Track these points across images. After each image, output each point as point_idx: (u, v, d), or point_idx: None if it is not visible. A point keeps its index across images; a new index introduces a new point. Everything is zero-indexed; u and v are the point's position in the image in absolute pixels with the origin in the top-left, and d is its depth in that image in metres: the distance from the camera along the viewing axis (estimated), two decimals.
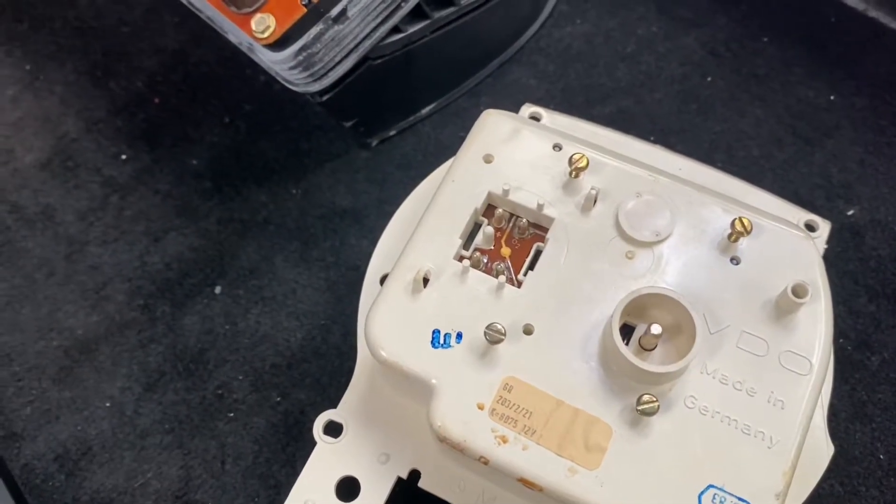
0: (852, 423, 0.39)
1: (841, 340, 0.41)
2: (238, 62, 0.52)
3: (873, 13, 0.50)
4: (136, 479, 0.41)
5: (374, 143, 0.49)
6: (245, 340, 0.43)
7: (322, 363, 0.43)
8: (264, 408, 0.42)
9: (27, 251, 0.47)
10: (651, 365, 0.29)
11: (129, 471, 0.41)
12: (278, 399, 0.42)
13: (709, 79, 0.49)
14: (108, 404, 0.42)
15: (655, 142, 0.45)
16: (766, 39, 0.50)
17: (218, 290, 0.45)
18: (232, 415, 0.42)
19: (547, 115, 0.40)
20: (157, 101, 0.52)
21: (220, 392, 0.42)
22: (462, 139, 0.36)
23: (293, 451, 0.41)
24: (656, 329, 0.29)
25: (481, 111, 0.36)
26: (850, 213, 0.44)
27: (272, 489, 0.40)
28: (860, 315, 0.42)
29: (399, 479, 0.34)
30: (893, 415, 0.39)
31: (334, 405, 0.35)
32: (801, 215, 0.39)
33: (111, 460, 0.41)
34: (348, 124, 0.46)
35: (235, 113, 0.51)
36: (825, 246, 0.39)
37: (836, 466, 0.38)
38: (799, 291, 0.31)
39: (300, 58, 0.39)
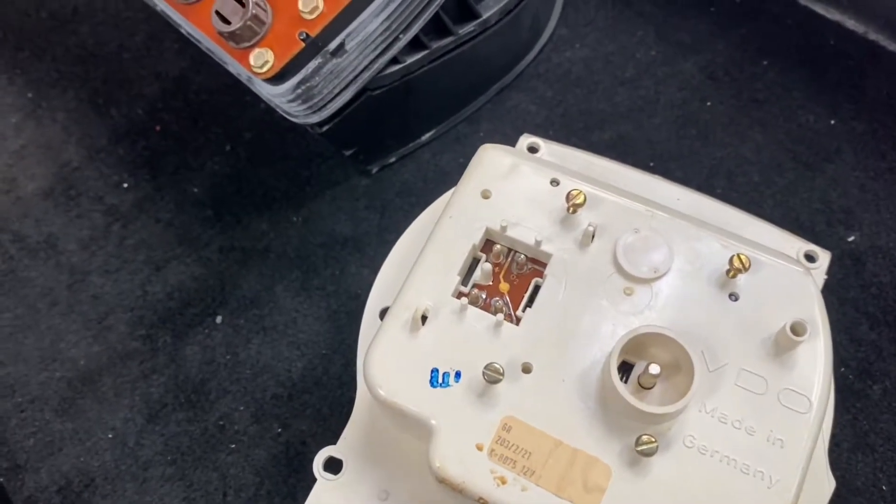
0: (854, 454, 0.39)
1: (842, 369, 0.41)
2: (238, 89, 0.53)
3: (873, 36, 0.50)
4: None
5: (375, 170, 0.49)
6: (246, 371, 0.44)
7: (323, 393, 0.43)
8: (265, 439, 0.42)
9: (30, 280, 0.48)
10: (650, 406, 0.29)
11: (132, 503, 0.41)
12: (279, 430, 0.42)
13: (708, 104, 0.49)
14: (110, 435, 0.43)
15: (655, 168, 0.45)
16: (765, 63, 0.50)
17: (219, 319, 0.45)
18: (234, 446, 0.42)
19: (545, 146, 0.40)
20: (158, 128, 0.53)
21: (221, 423, 0.42)
22: (462, 165, 0.35)
23: (294, 482, 0.41)
24: (654, 369, 0.29)
25: (481, 137, 0.36)
26: (851, 239, 0.44)
27: None
28: (861, 343, 0.41)
29: None
30: (895, 444, 0.39)
31: (335, 436, 0.35)
32: (801, 246, 0.39)
33: (114, 492, 0.41)
34: (348, 153, 0.46)
35: (236, 140, 0.52)
36: (825, 277, 0.39)
37: (838, 498, 0.37)
38: (798, 329, 0.31)
39: (299, 91, 0.40)
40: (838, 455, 0.39)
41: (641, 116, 0.49)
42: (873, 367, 0.41)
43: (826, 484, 0.34)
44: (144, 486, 0.41)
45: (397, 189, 0.49)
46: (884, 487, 0.38)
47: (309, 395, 0.43)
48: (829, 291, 0.42)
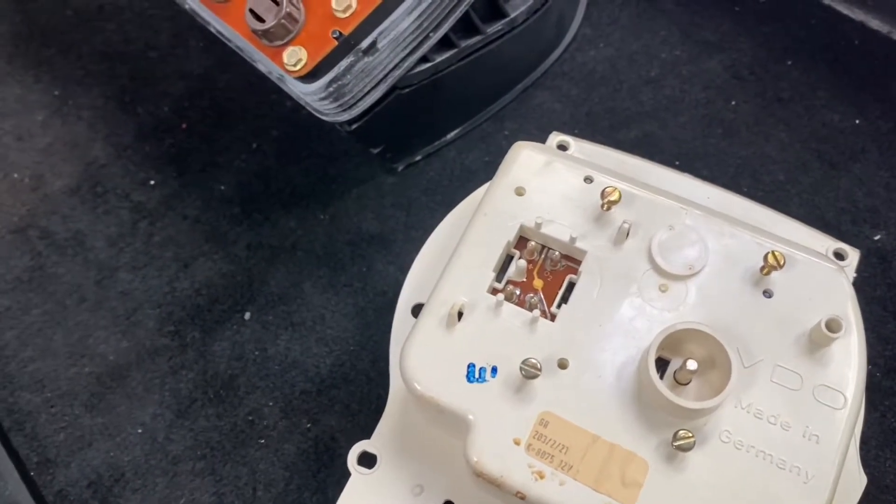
0: (883, 451, 0.39)
1: (870, 367, 0.41)
2: (264, 87, 0.53)
3: None
4: None
5: (401, 168, 0.49)
6: (275, 366, 0.44)
7: (351, 389, 0.43)
8: (294, 434, 0.42)
9: (58, 277, 0.48)
10: (687, 401, 0.29)
11: (162, 497, 0.41)
12: (308, 425, 0.42)
13: (733, 102, 0.49)
14: (140, 430, 0.43)
15: (680, 166, 0.46)
16: (790, 63, 0.51)
17: (247, 315, 0.46)
18: (263, 441, 0.42)
19: (574, 144, 0.40)
20: (184, 126, 0.53)
21: (250, 418, 0.43)
22: (487, 163, 0.36)
23: (324, 477, 0.41)
24: (692, 365, 0.30)
25: (506, 135, 0.36)
26: (877, 237, 0.44)
27: None
28: (889, 341, 0.42)
29: None
30: None
31: (364, 432, 0.35)
32: (830, 244, 0.39)
33: (144, 486, 0.41)
34: (375, 151, 0.47)
35: (262, 138, 0.52)
36: (854, 274, 0.39)
37: (867, 496, 0.38)
38: (833, 326, 0.31)
39: (331, 89, 0.40)
40: (867, 453, 0.39)
41: (667, 115, 0.49)
42: None
43: (858, 480, 0.34)
44: (174, 481, 0.41)
45: (423, 187, 0.49)
46: None
47: (337, 391, 0.43)
48: (856, 290, 0.42)
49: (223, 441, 0.42)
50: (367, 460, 0.35)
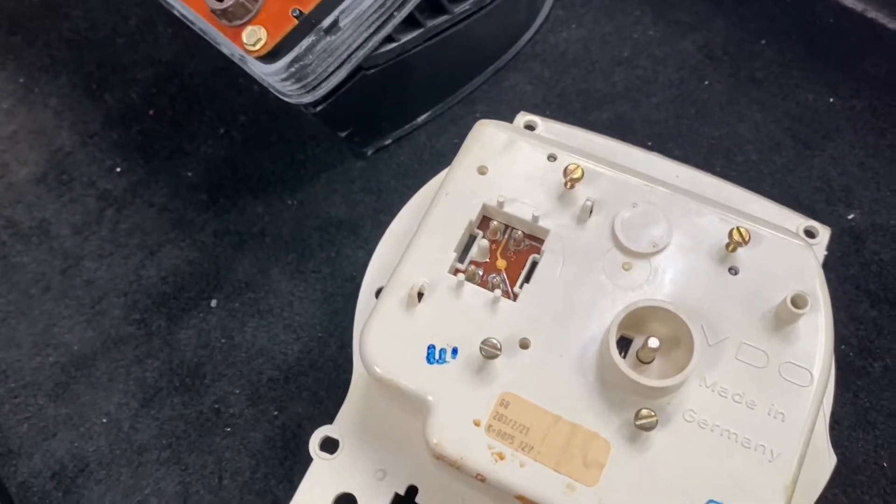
0: (855, 431, 0.39)
1: (843, 347, 0.40)
2: (232, 72, 0.52)
3: (872, 14, 0.50)
4: (135, 496, 0.40)
5: (370, 152, 0.48)
6: (241, 354, 0.43)
7: (319, 376, 0.42)
8: (261, 422, 0.41)
9: (23, 266, 0.47)
10: (649, 379, 0.29)
11: (127, 487, 0.40)
12: (275, 413, 0.42)
13: (706, 83, 0.49)
14: (104, 420, 0.42)
15: (653, 148, 0.45)
16: (763, 42, 0.50)
17: (214, 303, 0.45)
18: (229, 429, 0.41)
19: (542, 124, 0.40)
20: (151, 113, 0.52)
21: (216, 407, 0.42)
22: (458, 147, 0.35)
23: (291, 465, 0.40)
24: (654, 343, 0.29)
25: (477, 118, 0.36)
26: (851, 217, 0.44)
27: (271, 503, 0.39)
28: (862, 321, 0.41)
29: (396, 496, 0.33)
30: None
31: (332, 419, 0.35)
32: (801, 222, 0.38)
33: (108, 477, 0.41)
34: (343, 134, 0.46)
35: (230, 124, 0.51)
36: (825, 252, 0.38)
37: (839, 475, 0.37)
38: (798, 302, 0.30)
39: (292, 69, 0.39)
40: (839, 433, 0.38)
41: (639, 96, 0.49)
42: (874, 345, 0.40)
43: (827, 460, 0.34)
44: (140, 471, 0.41)
45: (393, 171, 0.48)
46: (885, 464, 0.38)
47: (305, 378, 0.42)
48: (829, 269, 0.42)
49: (189, 430, 0.41)
50: (330, 445, 0.34)
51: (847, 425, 0.39)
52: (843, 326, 0.41)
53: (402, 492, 0.33)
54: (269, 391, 0.42)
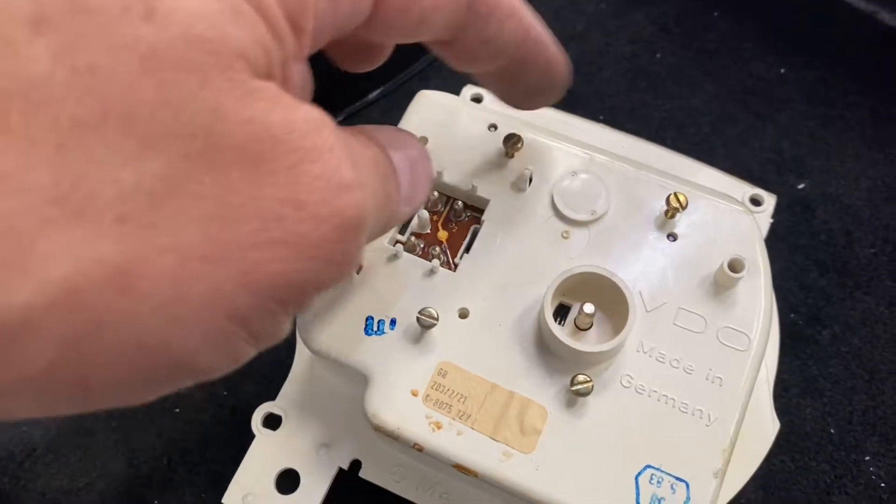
0: (803, 399, 0.39)
1: (792, 315, 0.41)
2: None
3: None
4: (82, 479, 0.40)
5: None
6: None
7: (269, 355, 0.41)
8: (211, 403, 0.41)
9: None
10: (583, 344, 0.29)
11: (76, 471, 0.40)
12: (224, 393, 0.41)
13: (658, 56, 0.49)
14: None
15: (605, 121, 0.45)
16: (716, 14, 0.50)
17: None
18: (178, 411, 0.41)
19: (489, 96, 0.39)
20: None
21: None
22: None
23: (241, 445, 0.40)
24: (589, 308, 0.29)
25: None
26: (801, 186, 0.44)
27: (220, 484, 0.39)
28: (811, 290, 0.41)
29: (340, 470, 0.33)
30: (844, 388, 0.39)
31: None
32: (747, 190, 0.38)
33: (56, 461, 0.40)
34: None
35: None
36: (771, 220, 0.38)
37: (787, 442, 0.37)
38: (735, 266, 0.30)
39: None
40: (787, 401, 0.39)
41: (591, 70, 0.48)
42: (822, 313, 0.40)
43: (770, 425, 0.34)
44: (88, 453, 0.40)
45: None
46: (832, 431, 0.38)
47: (255, 359, 0.42)
48: (779, 239, 0.42)
49: (137, 412, 0.41)
50: (273, 421, 0.34)
51: (796, 393, 0.39)
52: (792, 295, 0.41)
53: (345, 466, 0.33)
54: None
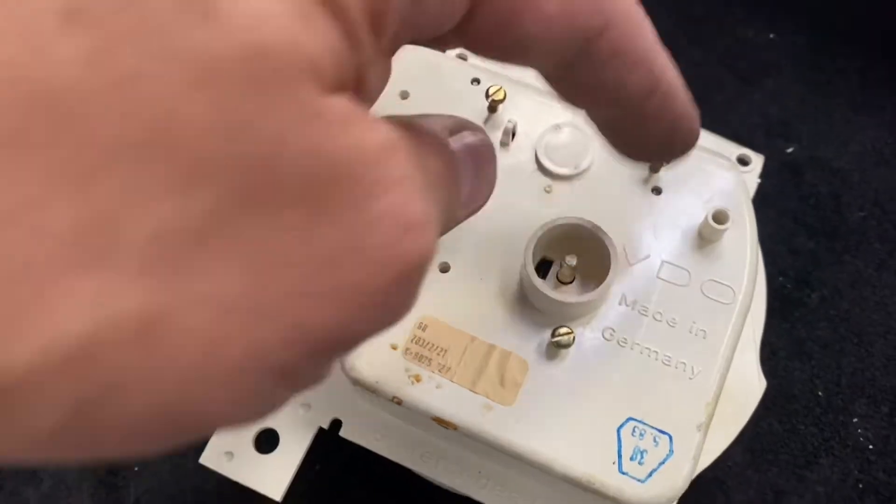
0: (791, 361, 0.38)
1: (780, 279, 0.40)
2: None
3: None
4: None
5: None
6: None
7: None
8: None
9: None
10: (564, 295, 0.28)
11: None
12: None
13: None
14: None
15: None
16: None
17: None
18: None
19: (473, 57, 0.39)
20: None
21: None
22: None
23: None
24: (571, 260, 0.28)
25: None
26: (790, 150, 0.44)
27: (198, 447, 0.38)
28: (799, 253, 0.41)
29: (320, 429, 0.32)
30: (832, 351, 0.38)
31: None
32: (735, 150, 0.38)
33: None
34: None
35: None
36: (759, 180, 0.38)
37: (774, 405, 0.37)
38: (720, 217, 0.30)
39: None
40: (775, 363, 0.38)
41: None
42: (811, 276, 0.40)
43: (757, 384, 0.34)
44: None
45: None
46: (819, 393, 0.38)
47: None
48: (767, 203, 0.41)
49: None
50: None
51: (784, 356, 0.39)
52: (781, 259, 0.41)
53: (325, 426, 0.32)
54: None
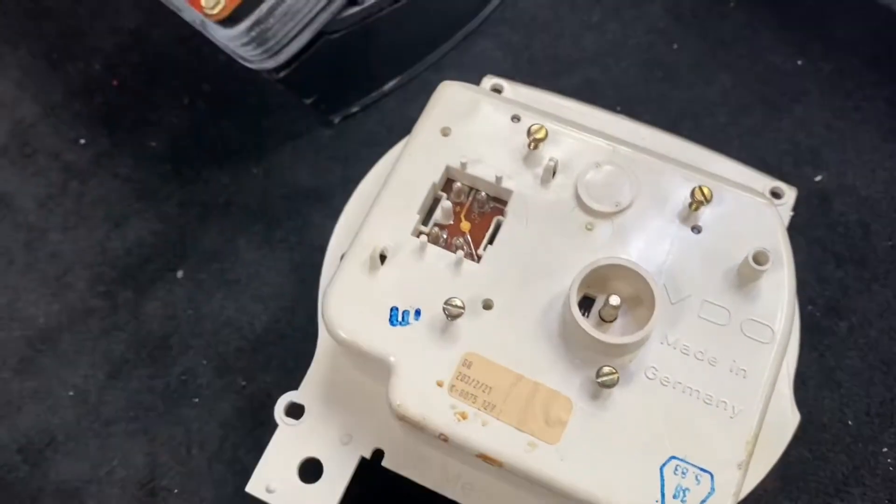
0: (820, 390, 0.39)
1: (809, 307, 0.41)
2: (196, 41, 0.51)
3: None
4: (102, 468, 0.40)
5: (337, 120, 0.48)
6: (209, 325, 0.43)
7: (287, 346, 0.42)
8: (229, 392, 0.41)
9: None
10: (609, 336, 0.29)
11: (95, 459, 0.40)
12: (244, 383, 0.41)
13: (675, 46, 0.48)
14: (71, 393, 0.42)
15: (622, 112, 0.45)
16: (732, 5, 0.50)
17: (180, 274, 0.44)
18: (197, 400, 0.41)
19: (509, 87, 0.39)
20: (115, 83, 0.51)
21: (184, 378, 0.42)
22: None
23: (260, 434, 0.40)
24: (615, 300, 0.29)
25: None
26: (818, 178, 0.44)
27: (239, 474, 0.39)
28: (828, 281, 0.41)
29: (362, 459, 0.33)
30: (861, 380, 0.39)
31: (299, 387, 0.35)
32: (767, 182, 0.38)
33: (76, 449, 0.40)
34: (309, 101, 0.45)
35: (195, 93, 0.50)
36: (791, 213, 0.38)
37: (804, 434, 0.38)
38: (760, 258, 0.30)
39: (253, 34, 0.38)
40: (805, 392, 0.39)
41: (608, 60, 0.48)
42: (840, 305, 0.41)
43: (791, 417, 0.34)
44: (107, 442, 0.40)
45: (361, 139, 0.48)
46: (850, 422, 0.38)
47: (273, 348, 0.42)
48: (796, 231, 0.42)
49: (156, 401, 0.41)
50: (296, 411, 0.34)
51: (813, 385, 0.39)
52: (809, 287, 0.41)
53: (367, 455, 0.33)
54: (236, 361, 0.42)
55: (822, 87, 0.46)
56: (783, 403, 0.34)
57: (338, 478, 0.33)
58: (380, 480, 0.34)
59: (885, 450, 0.37)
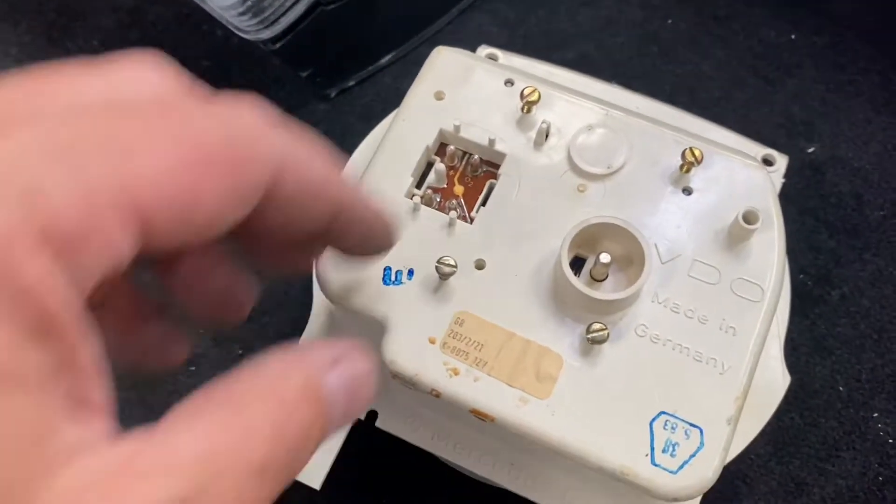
0: (812, 357, 0.39)
1: (801, 276, 0.41)
2: (195, 18, 0.51)
3: None
4: None
5: (333, 94, 0.48)
6: None
7: (284, 315, 0.42)
8: (226, 361, 0.41)
9: None
10: (599, 293, 0.29)
11: None
12: (240, 351, 0.42)
13: (670, 21, 0.49)
14: None
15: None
16: None
17: None
18: (194, 369, 0.41)
19: (503, 56, 0.40)
20: None
21: None
22: None
23: None
24: (605, 258, 0.29)
25: None
26: (811, 150, 0.44)
27: None
28: (820, 251, 0.42)
29: (357, 421, 0.33)
30: (852, 347, 0.39)
31: None
32: (759, 150, 0.39)
33: None
34: (305, 74, 0.46)
35: (194, 69, 0.49)
36: (783, 180, 0.38)
37: (795, 399, 0.38)
38: (750, 218, 0.30)
39: (249, 3, 0.39)
40: (797, 359, 0.39)
41: (603, 36, 0.49)
42: (832, 274, 0.41)
43: (781, 379, 0.34)
44: None
45: (357, 113, 0.48)
46: (840, 388, 0.38)
47: (269, 318, 0.42)
48: (789, 202, 0.42)
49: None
50: None
51: (805, 351, 0.39)
52: (802, 256, 0.41)
53: (361, 417, 0.33)
54: (233, 331, 0.42)
55: (816, 60, 0.47)
56: (774, 366, 0.35)
57: (331, 439, 0.33)
58: (374, 441, 0.34)
59: (875, 415, 0.38)
